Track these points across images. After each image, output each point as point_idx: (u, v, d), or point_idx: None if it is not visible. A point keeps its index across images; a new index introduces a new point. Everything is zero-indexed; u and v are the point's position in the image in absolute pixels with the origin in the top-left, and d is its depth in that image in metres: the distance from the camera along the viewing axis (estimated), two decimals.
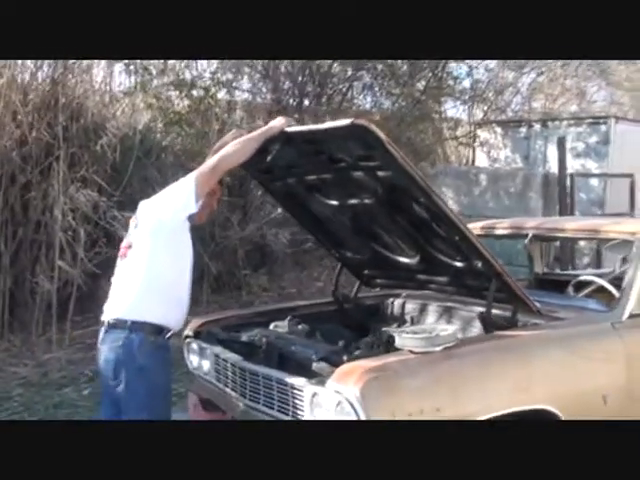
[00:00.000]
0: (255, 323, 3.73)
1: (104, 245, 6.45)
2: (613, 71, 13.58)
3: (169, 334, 2.93)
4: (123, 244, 3.07)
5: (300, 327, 3.62)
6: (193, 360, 3.69)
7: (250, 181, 7.95)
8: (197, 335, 3.67)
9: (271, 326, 3.65)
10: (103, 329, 2.95)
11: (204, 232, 7.79)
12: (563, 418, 2.84)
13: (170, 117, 7.80)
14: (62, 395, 5.47)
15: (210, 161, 2.93)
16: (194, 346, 3.66)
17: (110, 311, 2.95)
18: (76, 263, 6.34)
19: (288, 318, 3.70)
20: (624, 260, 3.95)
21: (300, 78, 9.21)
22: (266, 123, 3.25)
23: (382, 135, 2.77)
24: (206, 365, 3.59)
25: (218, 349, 3.49)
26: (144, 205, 3.07)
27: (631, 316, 3.21)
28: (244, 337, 3.45)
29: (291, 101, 9.15)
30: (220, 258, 7.78)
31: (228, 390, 3.37)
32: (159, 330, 2.87)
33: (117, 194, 6.51)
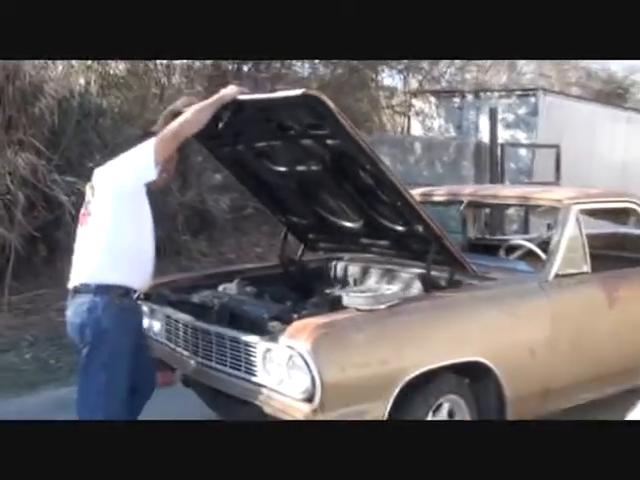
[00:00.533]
0: (204, 285, 3.84)
1: (43, 209, 6.38)
2: None
3: (136, 295, 2.99)
4: (82, 211, 3.10)
5: (248, 289, 3.75)
6: (143, 322, 3.78)
7: (189, 147, 7.93)
8: (147, 297, 3.76)
9: (220, 288, 3.77)
10: (69, 296, 2.99)
11: None
12: (495, 370, 3.10)
13: (108, 80, 7.69)
14: (3, 359, 5.46)
15: (170, 127, 2.99)
16: (144, 308, 3.75)
17: (75, 277, 2.98)
18: (14, 227, 6.26)
19: (236, 280, 3.83)
20: (550, 225, 4.23)
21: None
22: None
23: (332, 105, 2.91)
24: (156, 326, 3.69)
25: (169, 310, 3.60)
26: (100, 172, 3.11)
27: (556, 276, 3.48)
28: (195, 298, 3.57)
29: (230, 67, 9.12)
30: (159, 224, 7.75)
31: (179, 349, 3.50)
32: (125, 292, 2.93)
33: (56, 158, 6.43)
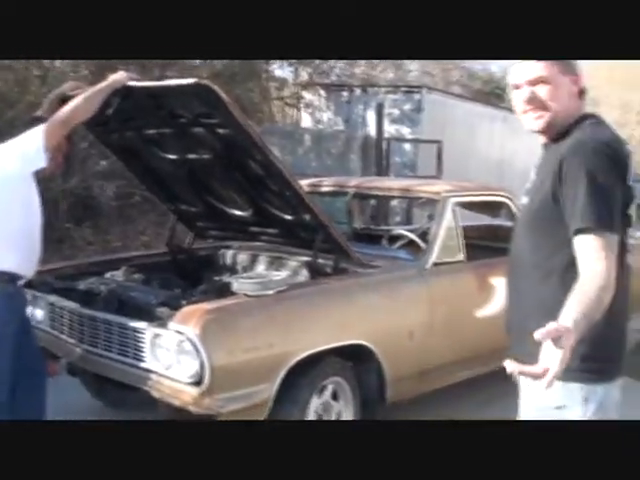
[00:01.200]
0: (90, 273, 3.80)
1: None
2: None
3: (21, 282, 2.92)
4: None
5: (136, 276, 3.75)
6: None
7: (74, 132, 7.69)
8: (29, 285, 3.67)
9: (107, 275, 3.74)
10: None
11: None
12: (376, 352, 3.27)
13: None
14: None
15: (60, 114, 2.93)
16: (27, 296, 3.66)
17: None
18: None
19: (124, 268, 3.81)
20: (430, 217, 4.46)
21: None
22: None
23: (224, 95, 2.96)
24: (39, 314, 3.62)
25: (53, 298, 3.54)
26: None
27: (434, 264, 3.70)
28: (81, 285, 3.53)
29: None
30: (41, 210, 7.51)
31: (64, 337, 3.45)
32: (10, 278, 2.85)
33: None
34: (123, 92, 3.21)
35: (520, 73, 1.92)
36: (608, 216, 1.72)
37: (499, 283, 3.88)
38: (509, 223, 4.85)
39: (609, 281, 1.67)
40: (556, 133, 1.92)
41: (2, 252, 2.84)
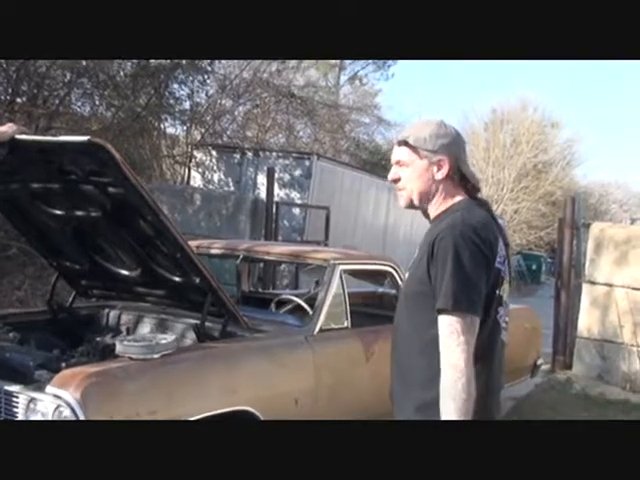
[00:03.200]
0: None
1: None
2: (318, 112, 15.01)
3: None
4: None
5: (11, 335, 3.56)
6: None
7: None
8: None
9: None
10: None
11: None
12: (262, 418, 3.25)
13: None
14: None
15: None
16: None
17: None
18: None
19: None
20: (317, 283, 4.54)
21: (14, 75, 8.73)
22: None
23: (117, 155, 2.93)
24: None
25: None
26: None
27: (321, 330, 3.76)
28: None
29: (2, 97, 8.62)
30: None
31: None
32: None
33: None
34: (10, 144, 3.12)
35: (393, 154, 2.10)
36: (466, 298, 1.84)
37: (382, 350, 3.99)
38: (393, 291, 5.03)
39: (466, 370, 1.80)
40: (425, 213, 2.09)
41: None
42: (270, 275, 8.60)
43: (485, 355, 1.92)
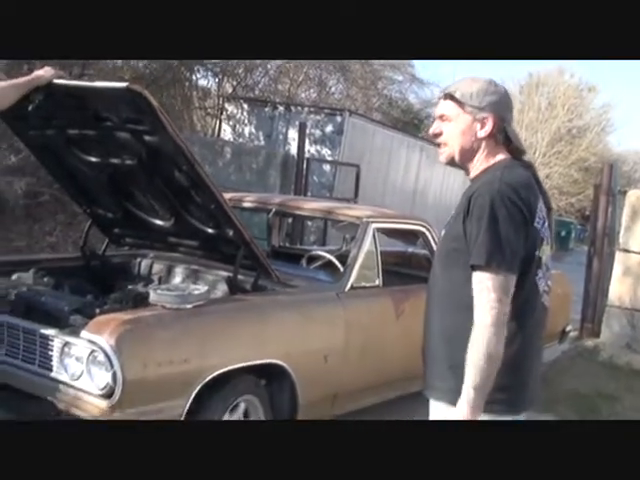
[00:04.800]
0: None
1: None
2: (351, 69, 14.77)
3: None
4: None
5: (46, 280, 3.59)
6: None
7: None
8: None
9: (13, 277, 3.57)
10: None
11: None
12: (290, 372, 3.27)
13: None
14: None
15: None
16: None
17: None
18: None
19: (33, 270, 3.65)
20: (350, 240, 4.51)
21: None
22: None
23: (155, 103, 2.91)
24: None
25: None
26: None
27: (352, 288, 3.74)
28: None
29: None
30: None
31: None
32: None
33: None
34: (47, 89, 3.10)
35: (437, 107, 2.06)
36: (500, 256, 1.82)
37: (412, 309, 3.98)
38: (423, 252, 4.99)
39: (493, 328, 1.80)
40: (467, 170, 2.05)
41: None
42: (298, 231, 8.59)
43: (521, 316, 1.90)
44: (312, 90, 15.24)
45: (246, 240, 3.38)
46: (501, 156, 2.01)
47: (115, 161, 3.47)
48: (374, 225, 3.98)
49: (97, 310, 3.02)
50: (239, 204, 4.57)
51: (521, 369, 1.95)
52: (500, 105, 1.99)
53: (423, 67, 26.99)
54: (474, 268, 1.85)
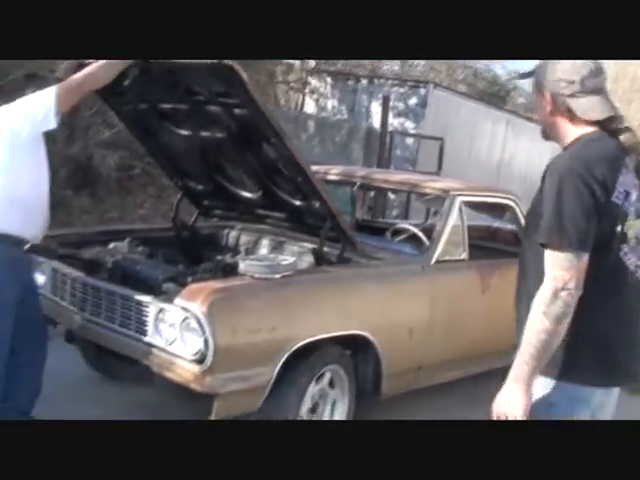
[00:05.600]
0: (93, 242, 3.79)
1: None
2: None
3: (26, 246, 2.89)
4: None
5: (140, 249, 3.74)
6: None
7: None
8: (32, 249, 3.66)
9: (110, 246, 3.73)
10: None
11: None
12: (375, 344, 3.29)
13: None
14: None
15: (75, 78, 2.90)
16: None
17: None
18: None
19: (128, 239, 3.80)
20: (435, 213, 4.48)
21: None
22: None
23: (245, 76, 2.95)
24: (41, 279, 3.61)
25: (56, 264, 3.53)
26: None
27: (438, 261, 3.72)
28: (86, 254, 3.52)
29: None
30: None
31: (65, 304, 3.45)
32: (16, 241, 2.84)
33: None
34: (142, 65, 3.20)
35: None
36: (563, 234, 1.80)
37: (499, 284, 3.93)
38: (509, 226, 4.90)
39: (558, 303, 1.79)
40: (561, 145, 2.02)
41: (9, 215, 2.82)
42: (381, 204, 8.58)
43: (605, 292, 1.88)
44: (395, 63, 15.05)
45: (333, 212, 3.41)
46: (583, 129, 1.95)
47: (206, 134, 3.56)
48: (460, 198, 3.93)
49: (189, 279, 3.13)
50: (323, 177, 4.60)
51: (608, 345, 1.92)
52: (559, 81, 1.95)
53: None
54: (542, 246, 1.86)
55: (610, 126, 1.96)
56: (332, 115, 11.29)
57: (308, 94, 11.96)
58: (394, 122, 10.53)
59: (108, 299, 3.18)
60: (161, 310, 2.93)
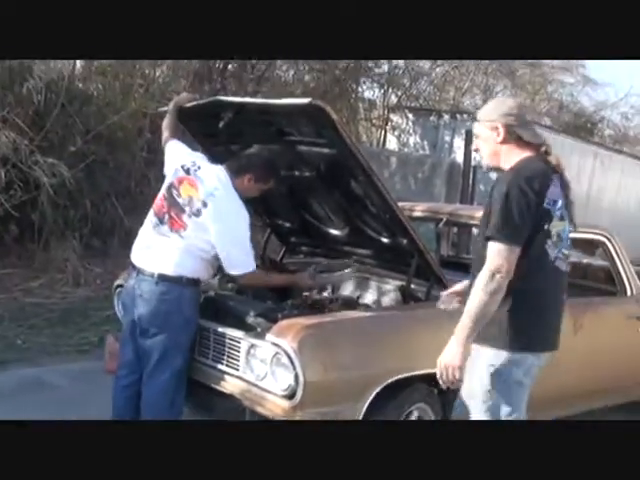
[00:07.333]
0: None
1: (20, 188, 6.33)
2: (519, 73, 14.36)
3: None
4: (183, 205, 3.19)
5: (230, 285, 3.83)
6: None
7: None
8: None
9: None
10: (140, 280, 3.14)
11: (120, 186, 7.78)
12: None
13: (95, 66, 7.69)
14: None
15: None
16: None
17: (157, 265, 3.13)
18: None
19: (218, 276, 3.91)
20: None
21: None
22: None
23: (336, 117, 3.02)
24: None
25: None
26: (202, 173, 3.28)
27: None
28: None
29: (217, 65, 9.18)
30: (133, 213, 7.80)
31: None
32: (196, 282, 3.21)
33: (38, 139, 6.41)
34: (236, 107, 3.32)
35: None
36: (508, 230, 2.37)
37: (592, 323, 3.80)
38: (601, 262, 4.75)
39: (494, 283, 2.35)
40: (501, 170, 2.59)
41: (203, 264, 3.19)
42: (464, 240, 8.48)
43: (532, 273, 2.43)
44: (478, 97, 14.98)
45: (420, 249, 3.41)
46: (524, 153, 2.52)
47: (295, 173, 3.64)
48: None
49: (279, 315, 3.19)
50: (409, 214, 4.60)
51: (537, 315, 2.50)
52: (509, 115, 2.52)
53: (597, 68, 25.49)
54: (486, 239, 2.41)
55: (541, 150, 2.55)
56: (414, 151, 11.31)
57: (390, 131, 12.04)
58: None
59: (201, 334, 3.27)
60: (252, 346, 2.99)
